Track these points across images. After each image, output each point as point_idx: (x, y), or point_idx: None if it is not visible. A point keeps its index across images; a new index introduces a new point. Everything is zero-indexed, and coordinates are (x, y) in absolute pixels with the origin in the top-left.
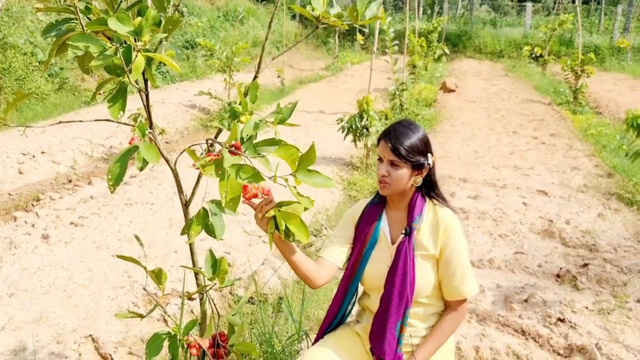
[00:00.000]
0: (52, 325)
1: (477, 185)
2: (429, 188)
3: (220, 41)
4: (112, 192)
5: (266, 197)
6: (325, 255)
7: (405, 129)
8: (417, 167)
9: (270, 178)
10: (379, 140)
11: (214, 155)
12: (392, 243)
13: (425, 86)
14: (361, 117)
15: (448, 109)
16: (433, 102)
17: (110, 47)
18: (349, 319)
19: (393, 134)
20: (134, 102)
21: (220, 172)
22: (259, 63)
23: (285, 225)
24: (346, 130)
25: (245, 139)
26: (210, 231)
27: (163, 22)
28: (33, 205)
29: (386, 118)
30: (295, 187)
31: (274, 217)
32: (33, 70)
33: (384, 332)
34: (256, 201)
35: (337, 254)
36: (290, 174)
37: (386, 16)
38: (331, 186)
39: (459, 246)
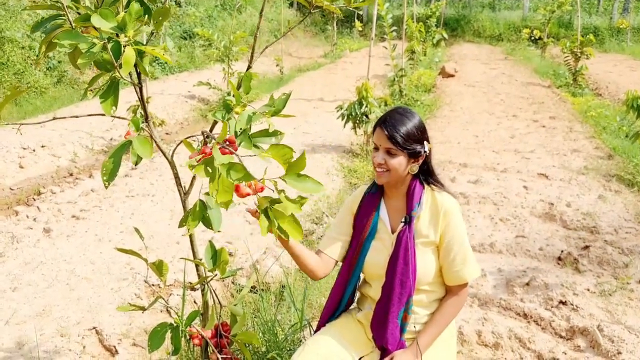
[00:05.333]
0: (55, 319)
1: (477, 169)
2: (426, 175)
3: (218, 30)
4: (106, 187)
5: (260, 194)
6: (324, 249)
7: (401, 116)
8: (413, 155)
9: (259, 180)
10: (374, 127)
11: (207, 152)
12: (392, 232)
13: (424, 71)
14: (360, 104)
15: (447, 94)
16: (432, 87)
17: (97, 44)
18: (350, 307)
19: (389, 122)
20: (133, 95)
21: (210, 172)
22: (252, 53)
23: (278, 224)
24: (346, 117)
25: (239, 132)
26: (208, 223)
27: (153, 13)
28: (34, 200)
29: (385, 104)
30: (283, 191)
31: (266, 211)
32: (31, 64)
33: (386, 321)
34: (251, 199)
35: (336, 248)
36: (280, 177)
37: (384, 2)
38: (321, 190)
39: (459, 231)
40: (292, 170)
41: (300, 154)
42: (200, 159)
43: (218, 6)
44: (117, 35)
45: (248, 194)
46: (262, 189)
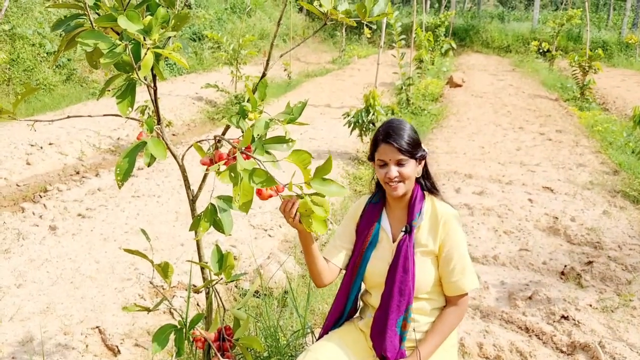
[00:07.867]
0: (59, 317)
1: (482, 181)
2: (425, 178)
3: (227, 33)
4: (120, 187)
5: (283, 195)
6: (329, 257)
7: (398, 126)
8: (419, 158)
9: (285, 186)
10: (376, 145)
11: (226, 157)
12: (394, 241)
13: (432, 81)
14: (367, 112)
15: (454, 104)
16: (439, 96)
17: (120, 44)
18: (354, 315)
19: (393, 135)
20: (140, 94)
21: (233, 177)
22: (267, 60)
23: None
24: (352, 124)
25: (255, 138)
26: (219, 227)
27: (172, 19)
28: (41, 197)
29: (392, 113)
30: (310, 195)
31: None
32: (41, 61)
33: (384, 329)
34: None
35: (340, 256)
36: (305, 183)
37: (393, 10)
38: (345, 194)
39: (458, 241)
40: (319, 174)
41: (327, 159)
42: (226, 163)
43: (228, 9)
44: (138, 39)
45: (271, 196)
46: (282, 189)
